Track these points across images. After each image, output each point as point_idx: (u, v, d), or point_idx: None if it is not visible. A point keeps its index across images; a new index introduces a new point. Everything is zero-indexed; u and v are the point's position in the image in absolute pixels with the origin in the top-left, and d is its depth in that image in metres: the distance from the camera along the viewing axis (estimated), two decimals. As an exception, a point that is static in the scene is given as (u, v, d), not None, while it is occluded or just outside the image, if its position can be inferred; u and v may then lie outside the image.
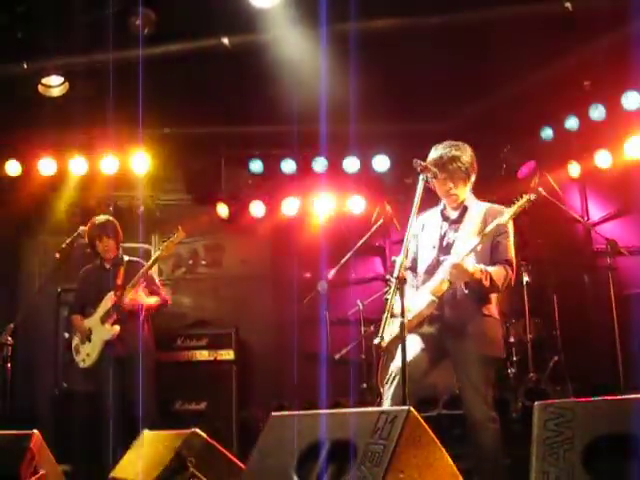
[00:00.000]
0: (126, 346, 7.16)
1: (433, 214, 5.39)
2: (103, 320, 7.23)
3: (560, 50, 7.99)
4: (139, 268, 7.36)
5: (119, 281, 7.28)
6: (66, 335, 8.69)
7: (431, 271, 5.14)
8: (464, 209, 5.22)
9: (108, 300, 7.26)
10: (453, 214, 5.26)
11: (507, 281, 5.01)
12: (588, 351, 8.37)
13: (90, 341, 7.30)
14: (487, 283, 4.89)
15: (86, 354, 7.30)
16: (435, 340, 5.09)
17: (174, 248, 7.42)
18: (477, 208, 5.19)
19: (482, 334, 5.00)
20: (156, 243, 9.98)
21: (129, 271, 7.35)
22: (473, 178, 5.24)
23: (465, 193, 5.24)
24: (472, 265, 4.85)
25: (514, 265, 5.10)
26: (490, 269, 4.92)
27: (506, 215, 4.87)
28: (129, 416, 6.95)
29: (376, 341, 5.09)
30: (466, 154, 5.18)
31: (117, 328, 7.15)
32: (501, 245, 5.05)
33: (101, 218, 7.55)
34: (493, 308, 5.12)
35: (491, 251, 5.04)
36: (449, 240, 5.18)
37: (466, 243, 4.99)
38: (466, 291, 4.97)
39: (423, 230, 5.37)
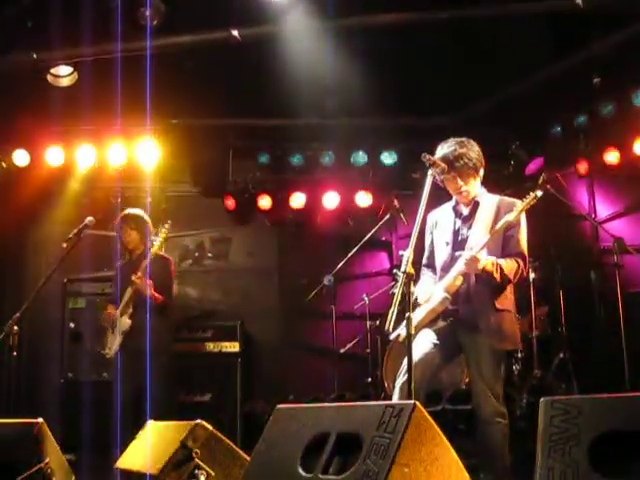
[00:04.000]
0: (142, 339, 7.19)
1: (445, 210, 5.39)
2: (122, 313, 7.31)
3: (569, 46, 7.98)
4: (164, 263, 7.45)
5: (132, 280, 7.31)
6: (72, 325, 8.72)
7: (447, 268, 5.15)
8: (475, 205, 5.20)
9: (127, 293, 7.32)
10: (465, 210, 5.25)
11: (519, 274, 5.01)
12: (594, 348, 8.36)
13: (113, 333, 7.38)
14: (498, 276, 4.90)
15: (109, 347, 7.38)
16: (449, 335, 5.09)
17: (164, 244, 7.40)
18: (489, 202, 5.18)
19: (495, 329, 5.00)
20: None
21: (152, 265, 7.36)
22: (482, 172, 5.22)
23: (476, 188, 5.22)
24: (484, 258, 4.87)
25: (526, 258, 5.10)
26: (501, 261, 4.94)
27: (514, 213, 4.88)
28: (140, 408, 6.97)
29: (393, 336, 5.12)
30: (472, 150, 5.16)
31: (129, 321, 7.22)
32: (513, 239, 5.04)
33: (126, 211, 7.61)
34: (508, 302, 5.11)
35: (503, 245, 5.03)
36: (463, 236, 5.18)
37: (479, 239, 5.00)
38: (477, 284, 4.99)
39: (436, 227, 5.39)
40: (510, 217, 4.88)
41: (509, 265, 4.96)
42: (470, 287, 5.04)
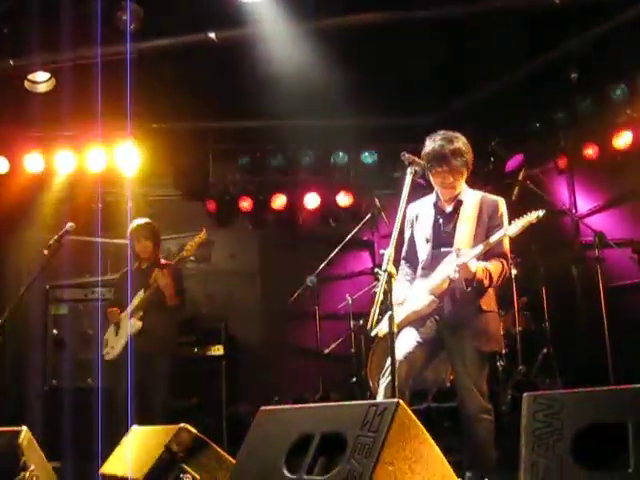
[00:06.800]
0: (148, 342, 7.20)
1: (426, 205, 5.33)
2: (131, 315, 7.33)
3: (547, 42, 8.01)
4: (178, 270, 7.57)
5: (151, 280, 7.31)
6: (55, 332, 8.67)
7: (428, 266, 5.14)
8: (459, 202, 5.17)
9: (138, 297, 7.35)
10: (448, 207, 5.21)
11: (503, 275, 5.04)
12: (577, 343, 8.39)
13: (117, 334, 7.38)
14: (487, 282, 4.92)
15: (111, 347, 7.39)
16: (432, 334, 5.08)
17: (195, 249, 7.47)
18: (472, 200, 5.15)
19: (481, 329, 5.01)
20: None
21: (172, 269, 7.44)
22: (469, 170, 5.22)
23: (461, 185, 5.20)
24: (475, 265, 4.84)
25: (509, 258, 5.13)
26: (489, 266, 4.93)
27: (513, 228, 4.82)
28: (143, 410, 6.96)
29: (373, 333, 5.11)
30: (467, 147, 5.09)
31: (140, 323, 7.25)
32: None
33: (140, 221, 7.64)
34: (492, 302, 5.13)
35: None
36: (445, 234, 5.14)
37: (465, 238, 5.00)
38: (468, 289, 4.96)
39: (417, 221, 5.33)
40: (509, 232, 4.84)
41: (496, 268, 4.97)
42: (456, 288, 5.02)
